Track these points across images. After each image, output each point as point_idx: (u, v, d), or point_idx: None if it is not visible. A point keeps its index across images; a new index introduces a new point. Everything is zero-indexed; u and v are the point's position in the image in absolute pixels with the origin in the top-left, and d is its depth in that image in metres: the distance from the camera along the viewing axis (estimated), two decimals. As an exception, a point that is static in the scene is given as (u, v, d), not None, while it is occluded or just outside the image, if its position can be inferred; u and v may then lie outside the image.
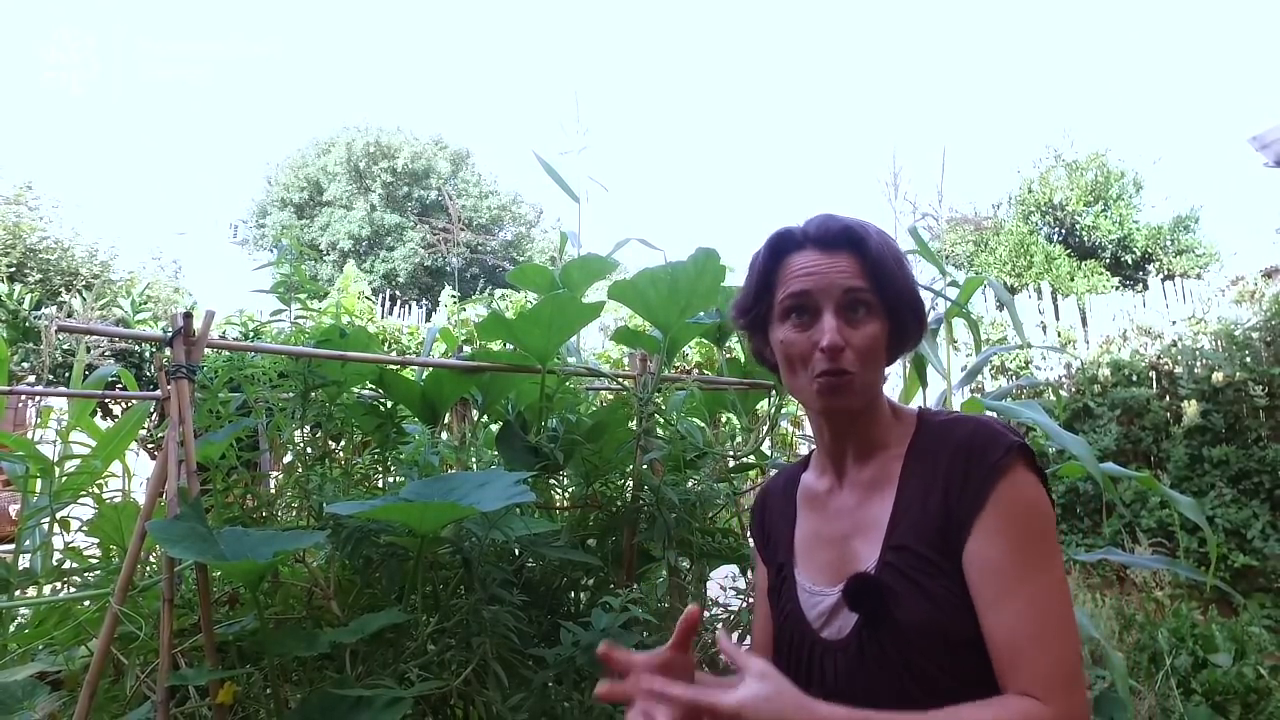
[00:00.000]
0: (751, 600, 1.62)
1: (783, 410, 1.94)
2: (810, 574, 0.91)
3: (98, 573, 1.58)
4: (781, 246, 0.90)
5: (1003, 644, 0.74)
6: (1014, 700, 0.71)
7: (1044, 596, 0.75)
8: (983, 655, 0.77)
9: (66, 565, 1.67)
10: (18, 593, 1.63)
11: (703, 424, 1.93)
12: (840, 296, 0.84)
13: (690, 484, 1.68)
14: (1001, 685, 0.74)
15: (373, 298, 7.65)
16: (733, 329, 1.85)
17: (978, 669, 0.77)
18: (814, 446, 1.05)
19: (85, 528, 1.59)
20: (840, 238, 0.86)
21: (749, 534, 1.08)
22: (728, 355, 1.99)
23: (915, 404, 1.81)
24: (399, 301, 10.20)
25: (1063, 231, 13.34)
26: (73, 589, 1.65)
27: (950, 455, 0.82)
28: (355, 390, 1.65)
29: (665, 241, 1.95)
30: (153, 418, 2.26)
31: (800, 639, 0.88)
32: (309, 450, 1.56)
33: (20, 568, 1.71)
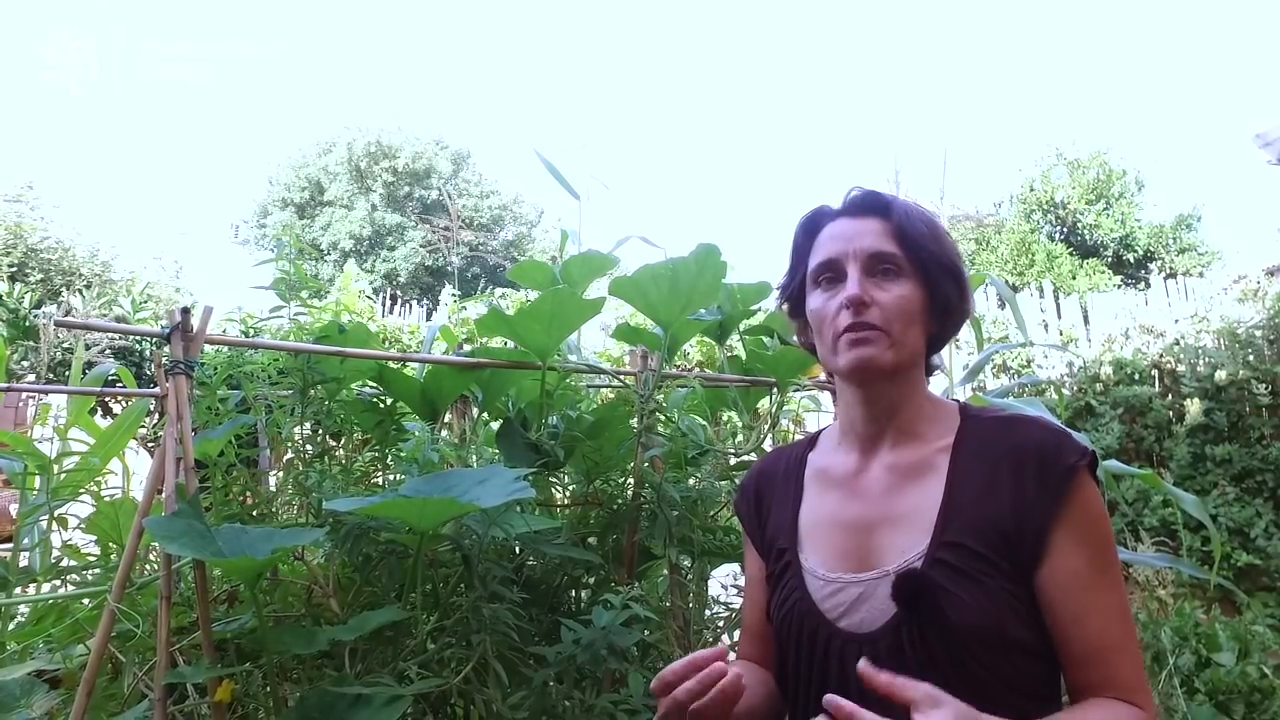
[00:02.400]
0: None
1: (784, 408, 1.93)
2: (823, 560, 0.87)
3: (96, 570, 1.58)
4: (815, 222, 0.90)
5: (1090, 653, 0.75)
6: (1116, 704, 0.73)
7: (1120, 603, 0.77)
8: (1033, 660, 0.77)
9: (65, 563, 1.67)
10: (17, 590, 1.63)
11: (704, 421, 1.93)
12: (866, 259, 0.83)
13: (692, 481, 1.67)
14: (1082, 687, 0.76)
15: (373, 297, 7.65)
16: (734, 326, 1.84)
17: (1027, 674, 0.77)
18: (828, 426, 1.02)
19: (83, 525, 1.58)
20: (866, 203, 0.86)
21: (739, 518, 1.04)
22: (729, 353, 1.98)
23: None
24: (400, 301, 10.19)
25: (1064, 230, 13.32)
26: (71, 587, 1.64)
27: (1016, 457, 0.80)
28: (355, 387, 1.64)
29: (666, 239, 1.94)
30: (152, 415, 2.25)
31: (812, 630, 0.84)
32: (308, 447, 1.56)
33: (20, 565, 1.70)
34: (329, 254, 20.36)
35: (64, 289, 9.39)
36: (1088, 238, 12.96)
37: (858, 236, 0.84)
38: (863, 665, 0.66)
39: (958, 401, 0.92)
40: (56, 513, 1.65)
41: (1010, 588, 0.76)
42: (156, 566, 1.39)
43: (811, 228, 0.90)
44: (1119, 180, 13.27)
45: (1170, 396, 4.78)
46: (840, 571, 0.84)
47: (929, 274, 0.84)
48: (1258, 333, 4.70)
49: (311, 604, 1.42)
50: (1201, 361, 4.75)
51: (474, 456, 1.64)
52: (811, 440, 1.00)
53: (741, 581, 1.75)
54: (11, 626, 1.59)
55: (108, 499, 1.63)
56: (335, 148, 22.05)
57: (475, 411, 1.75)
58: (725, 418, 2.20)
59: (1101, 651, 0.74)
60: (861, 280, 0.82)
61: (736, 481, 1.77)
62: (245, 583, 1.18)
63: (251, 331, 1.71)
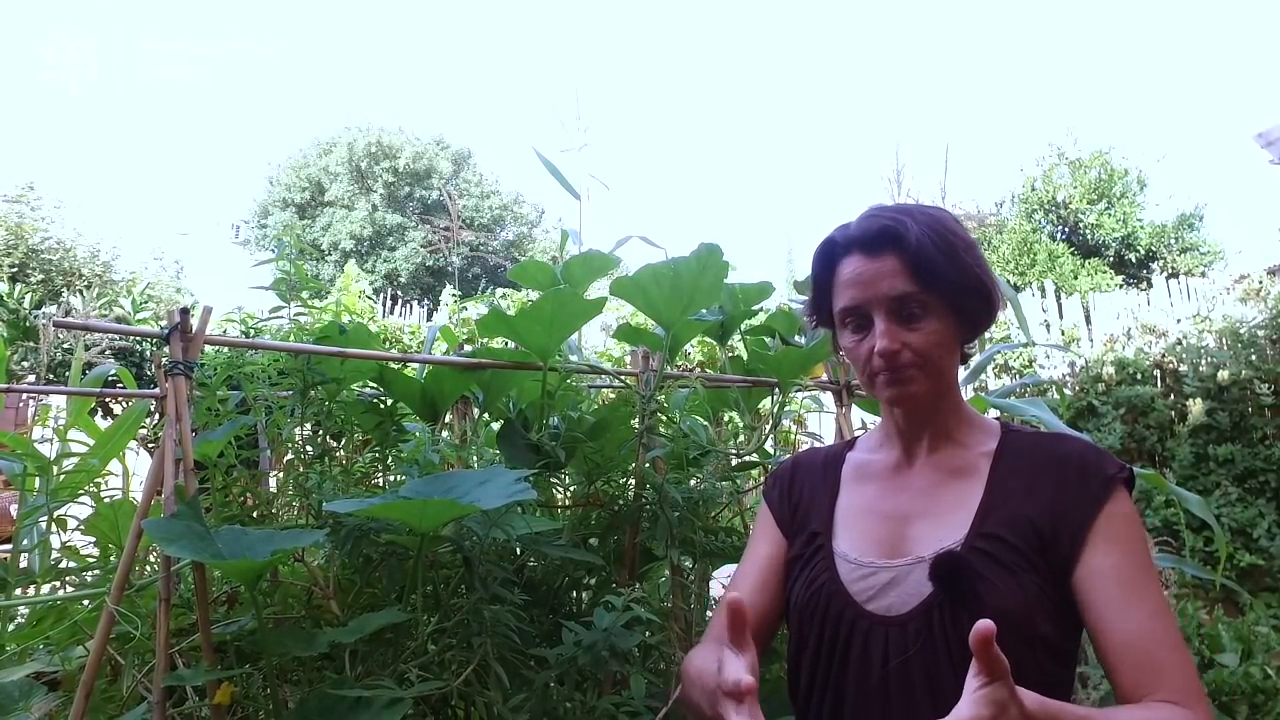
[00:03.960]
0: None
1: (786, 408, 1.93)
2: (855, 545, 0.89)
3: (95, 572, 1.57)
4: (831, 253, 0.90)
5: (1134, 647, 0.74)
6: (1167, 708, 0.71)
7: (1163, 605, 0.77)
8: (1054, 659, 0.79)
9: (64, 564, 1.66)
10: (16, 592, 1.62)
11: (705, 422, 1.92)
12: (888, 303, 0.84)
13: (693, 482, 1.67)
14: (1131, 688, 0.74)
15: (374, 297, 7.65)
16: (736, 326, 1.84)
17: (1047, 669, 0.78)
18: (866, 431, 1.05)
19: (82, 526, 1.57)
20: (881, 239, 0.85)
21: (766, 502, 1.05)
22: (730, 353, 1.98)
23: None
24: (400, 301, 10.20)
25: (1066, 230, 13.29)
26: (70, 588, 1.64)
27: (1060, 465, 0.83)
28: (355, 388, 1.63)
29: (667, 239, 1.94)
30: (152, 416, 2.25)
31: (838, 611, 0.86)
32: (308, 448, 1.55)
33: (19, 567, 1.70)
34: (330, 254, 20.36)
35: (65, 289, 9.39)
36: (1089, 237, 12.94)
37: (878, 279, 0.84)
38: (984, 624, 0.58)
39: (998, 419, 0.95)
40: (56, 514, 1.64)
41: (1041, 583, 0.78)
42: (156, 568, 1.39)
43: (828, 259, 0.91)
44: (1121, 180, 13.23)
45: (1172, 396, 4.76)
46: (873, 557, 0.87)
47: (953, 301, 0.85)
48: (1260, 332, 4.69)
49: (311, 606, 1.42)
50: (1204, 361, 4.74)
51: (475, 457, 1.63)
52: (850, 442, 1.04)
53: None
54: (11, 628, 1.58)
55: (107, 500, 1.63)
56: (336, 148, 22.05)
57: (476, 412, 1.75)
58: (727, 418, 2.19)
59: (1148, 648, 0.74)
60: (889, 328, 0.84)
61: (737, 482, 1.77)
62: (245, 584, 1.17)
63: (251, 332, 1.70)
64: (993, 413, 2.10)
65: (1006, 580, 0.78)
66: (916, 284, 0.83)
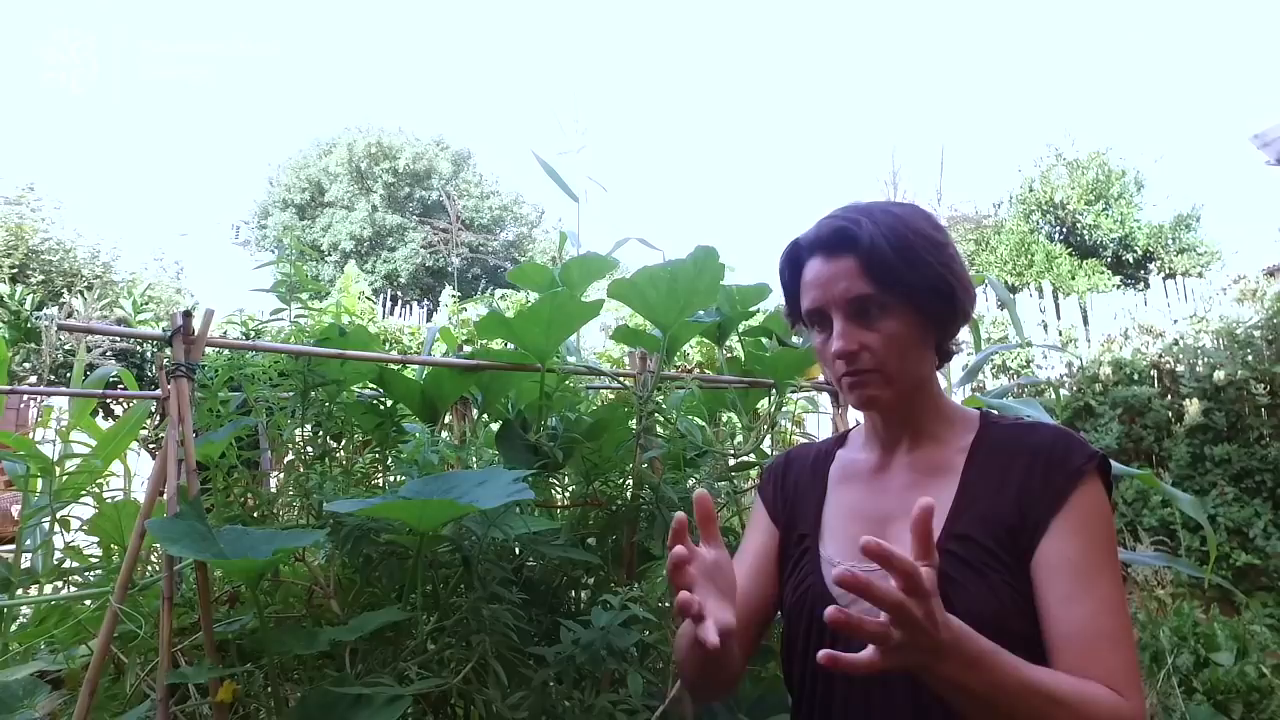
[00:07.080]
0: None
1: (782, 409, 1.94)
2: (839, 550, 0.90)
3: (98, 572, 1.59)
4: (795, 258, 0.92)
5: (1075, 637, 0.75)
6: (1099, 686, 0.72)
7: (1114, 599, 0.77)
8: (1029, 651, 0.77)
9: (67, 564, 1.67)
10: (19, 592, 1.63)
11: (703, 423, 1.93)
12: (845, 305, 0.85)
13: (690, 483, 1.68)
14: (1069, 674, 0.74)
15: (374, 298, 7.66)
16: (733, 328, 1.85)
17: None
18: (856, 424, 1.05)
19: (85, 527, 1.59)
20: (837, 240, 0.85)
21: (760, 495, 1.06)
22: (727, 354, 1.99)
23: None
24: (400, 302, 10.21)
25: (1064, 230, 13.32)
26: (73, 588, 1.65)
27: (1029, 457, 0.83)
28: (355, 389, 1.65)
29: (664, 241, 1.96)
30: (153, 417, 2.26)
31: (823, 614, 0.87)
32: (309, 449, 1.56)
33: (21, 567, 1.71)
34: (329, 255, 20.37)
35: (65, 290, 9.40)
36: (1087, 238, 12.96)
37: (834, 281, 0.84)
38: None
39: (979, 410, 0.94)
40: (59, 514, 1.65)
41: (1012, 581, 0.79)
42: (158, 568, 1.40)
43: (793, 265, 0.92)
44: (1118, 180, 13.26)
45: (1169, 397, 4.78)
46: (855, 561, 0.87)
47: (911, 300, 0.84)
48: (1256, 333, 4.71)
49: (312, 605, 1.43)
50: (1200, 362, 4.76)
51: (474, 458, 1.65)
52: (841, 438, 1.04)
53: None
54: (14, 627, 1.60)
55: (110, 501, 1.64)
56: (335, 148, 22.06)
57: (475, 413, 1.76)
58: (724, 419, 2.20)
59: (1090, 640, 0.74)
60: (846, 329, 0.84)
61: (735, 483, 1.78)
62: (246, 584, 1.19)
63: (252, 334, 1.71)
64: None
65: (976, 583, 0.78)
66: (872, 285, 0.83)
